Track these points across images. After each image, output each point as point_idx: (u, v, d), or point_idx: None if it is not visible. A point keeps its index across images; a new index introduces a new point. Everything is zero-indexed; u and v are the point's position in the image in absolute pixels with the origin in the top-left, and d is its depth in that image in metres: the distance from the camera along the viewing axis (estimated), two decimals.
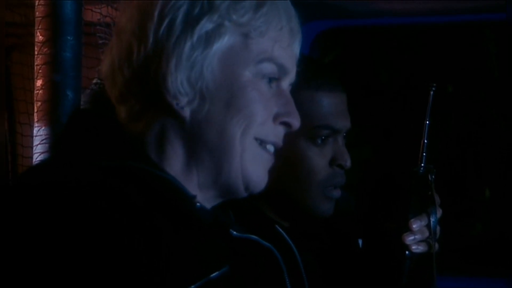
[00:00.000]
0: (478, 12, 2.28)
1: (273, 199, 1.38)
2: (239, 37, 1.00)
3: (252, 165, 1.02)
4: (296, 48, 1.06)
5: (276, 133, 1.04)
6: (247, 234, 1.04)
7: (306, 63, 1.18)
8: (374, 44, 4.27)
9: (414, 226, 1.36)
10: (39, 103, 1.78)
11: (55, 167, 0.97)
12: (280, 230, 1.34)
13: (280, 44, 1.02)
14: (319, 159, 1.38)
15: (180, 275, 0.88)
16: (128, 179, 0.94)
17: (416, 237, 1.36)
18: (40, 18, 1.79)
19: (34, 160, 1.81)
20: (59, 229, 0.87)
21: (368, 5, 2.25)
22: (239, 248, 1.01)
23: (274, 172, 1.10)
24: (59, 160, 0.99)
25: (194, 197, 0.99)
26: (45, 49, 1.78)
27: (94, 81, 1.11)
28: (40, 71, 1.79)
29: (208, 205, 1.04)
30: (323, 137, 1.38)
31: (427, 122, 1.39)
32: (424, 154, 1.39)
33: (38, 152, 1.77)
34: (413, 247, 1.36)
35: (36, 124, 1.80)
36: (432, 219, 1.37)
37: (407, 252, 1.37)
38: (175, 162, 1.01)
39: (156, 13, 0.98)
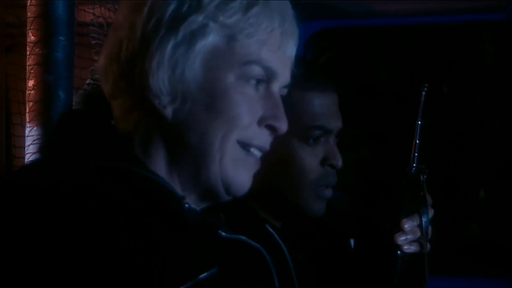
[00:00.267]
0: (478, 12, 2.27)
1: (265, 199, 1.38)
2: (224, 38, 0.98)
3: (233, 169, 1.01)
4: (290, 50, 1.04)
5: (261, 137, 1.03)
6: (236, 235, 1.03)
7: (297, 63, 1.18)
8: (369, 44, 4.27)
9: (406, 226, 1.36)
10: (31, 104, 1.78)
11: (45, 169, 0.96)
12: (271, 230, 1.34)
13: (269, 47, 1.00)
14: (311, 158, 1.38)
15: (169, 276, 0.88)
16: (117, 181, 0.94)
17: (408, 237, 1.36)
18: (32, 19, 1.78)
19: (26, 160, 1.81)
20: (48, 231, 0.87)
21: (364, 5, 2.25)
22: (228, 249, 1.01)
23: (267, 173, 1.10)
24: (48, 161, 0.99)
25: (183, 198, 0.98)
26: (37, 50, 1.78)
27: (87, 81, 1.10)
28: (32, 71, 1.78)
29: (197, 206, 1.03)
30: (315, 137, 1.39)
31: (419, 122, 1.39)
32: (416, 154, 1.39)
33: (30, 152, 1.77)
34: (405, 247, 1.37)
35: (28, 125, 1.80)
36: (424, 219, 1.37)
37: (399, 252, 1.37)
38: (158, 163, 1.00)
39: (145, 10, 0.98)
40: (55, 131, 1.04)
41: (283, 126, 1.04)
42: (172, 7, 0.97)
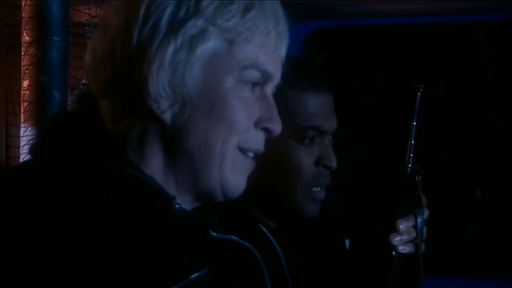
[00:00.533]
0: (478, 12, 2.27)
1: (260, 199, 1.39)
2: (224, 42, 0.98)
3: (231, 173, 1.01)
4: (283, 52, 1.04)
5: (258, 140, 1.03)
6: (227, 235, 1.03)
7: (293, 64, 1.18)
8: (365, 45, 4.27)
9: (401, 226, 1.36)
10: (26, 104, 1.78)
11: (35, 171, 0.96)
12: (264, 230, 1.34)
13: (266, 50, 1.00)
14: (305, 158, 1.38)
15: (160, 277, 0.87)
16: (107, 182, 0.93)
17: (403, 237, 1.37)
18: (27, 19, 1.78)
19: (21, 161, 1.80)
20: (35, 233, 0.86)
21: (359, 5, 2.24)
22: (219, 249, 1.01)
23: (261, 173, 1.10)
24: (39, 163, 0.99)
25: (173, 198, 0.98)
26: (32, 50, 1.77)
27: (83, 81, 1.10)
28: (26, 71, 1.78)
29: (189, 206, 1.03)
30: (310, 138, 1.39)
31: (415, 123, 1.39)
32: (411, 155, 1.39)
33: (25, 153, 1.77)
34: (400, 248, 1.37)
35: (22, 125, 1.80)
36: (419, 220, 1.37)
37: (394, 253, 1.37)
38: (154, 165, 1.00)
39: (141, 12, 0.97)
40: (46, 132, 1.04)
41: (277, 128, 1.04)
42: (169, 10, 0.96)
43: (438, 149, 4.11)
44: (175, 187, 1.01)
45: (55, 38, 1.75)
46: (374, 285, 1.40)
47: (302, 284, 1.36)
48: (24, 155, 1.80)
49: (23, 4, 1.79)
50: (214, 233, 1.01)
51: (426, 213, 1.39)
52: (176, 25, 0.96)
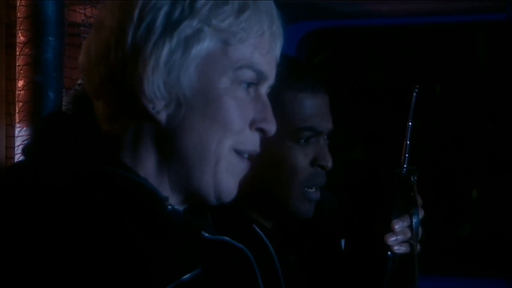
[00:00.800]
0: (478, 12, 2.27)
1: (255, 199, 1.39)
2: (218, 43, 0.98)
3: (225, 176, 1.01)
4: (277, 52, 1.04)
5: (253, 141, 1.03)
6: (220, 235, 1.03)
7: (289, 64, 1.18)
8: (362, 45, 4.27)
9: (396, 227, 1.36)
10: (21, 104, 1.77)
11: (28, 171, 0.96)
12: (258, 230, 1.34)
13: (260, 51, 1.00)
14: (301, 158, 1.38)
15: (152, 277, 0.87)
16: (99, 183, 0.93)
17: (398, 238, 1.37)
18: (22, 19, 1.78)
19: (15, 161, 1.80)
20: (27, 233, 0.86)
21: (357, 5, 2.24)
22: (212, 250, 1.00)
23: (257, 173, 1.10)
24: (32, 163, 0.98)
25: (166, 199, 0.98)
26: (27, 50, 1.77)
27: (79, 81, 1.10)
28: (21, 71, 1.77)
29: (182, 207, 1.03)
30: (305, 138, 1.38)
31: (410, 123, 1.39)
32: (407, 155, 1.39)
33: (19, 153, 1.76)
34: (395, 248, 1.37)
35: (17, 125, 1.79)
36: (414, 220, 1.37)
37: (389, 253, 1.37)
38: (148, 165, 1.00)
39: (136, 13, 0.96)
40: (39, 132, 1.03)
41: (272, 128, 1.04)
42: (164, 10, 0.96)
43: (435, 149, 4.12)
44: (168, 188, 1.01)
45: (50, 38, 1.75)
46: (369, 285, 1.41)
47: (296, 284, 1.36)
48: (19, 155, 1.79)
49: (18, 4, 1.79)
50: (206, 234, 1.01)
51: (421, 214, 1.39)
52: (171, 26, 0.96)
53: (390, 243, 1.36)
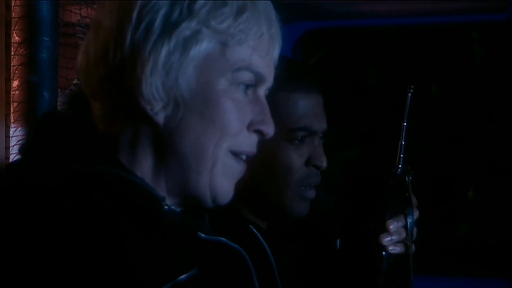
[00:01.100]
0: (478, 13, 2.27)
1: (250, 200, 1.39)
2: (217, 44, 0.98)
3: (222, 179, 1.01)
4: (275, 54, 1.04)
5: (250, 142, 1.03)
6: (216, 236, 1.03)
7: (283, 64, 1.18)
8: (358, 45, 4.28)
9: (391, 227, 1.36)
10: (16, 104, 1.77)
11: (23, 171, 0.96)
12: (254, 230, 1.34)
13: (259, 52, 1.00)
14: (295, 158, 1.38)
15: (147, 278, 0.87)
16: (96, 182, 0.93)
17: (393, 238, 1.37)
18: (16, 19, 1.78)
19: (10, 161, 1.80)
20: (22, 233, 0.86)
21: (353, 6, 2.24)
22: (208, 251, 1.00)
23: (252, 173, 1.10)
24: (28, 163, 0.98)
25: (163, 199, 0.98)
26: (22, 50, 1.77)
27: (74, 81, 1.09)
28: (16, 72, 1.78)
29: (179, 208, 1.03)
30: (300, 138, 1.39)
31: (405, 124, 1.40)
32: (402, 155, 1.39)
33: (15, 153, 1.76)
34: (390, 248, 1.37)
35: (12, 125, 1.79)
36: (409, 220, 1.37)
37: (384, 253, 1.37)
38: (145, 166, 1.00)
39: (134, 14, 0.96)
40: (35, 132, 1.03)
41: (270, 130, 1.04)
42: (162, 12, 0.96)
43: (431, 149, 4.12)
44: (165, 189, 1.01)
45: (45, 38, 1.75)
46: (364, 285, 1.41)
47: (292, 284, 1.36)
48: (14, 156, 1.79)
49: (13, 4, 1.79)
50: (202, 235, 1.01)
51: (416, 214, 1.39)
52: (169, 27, 0.96)
53: (384, 243, 1.36)
